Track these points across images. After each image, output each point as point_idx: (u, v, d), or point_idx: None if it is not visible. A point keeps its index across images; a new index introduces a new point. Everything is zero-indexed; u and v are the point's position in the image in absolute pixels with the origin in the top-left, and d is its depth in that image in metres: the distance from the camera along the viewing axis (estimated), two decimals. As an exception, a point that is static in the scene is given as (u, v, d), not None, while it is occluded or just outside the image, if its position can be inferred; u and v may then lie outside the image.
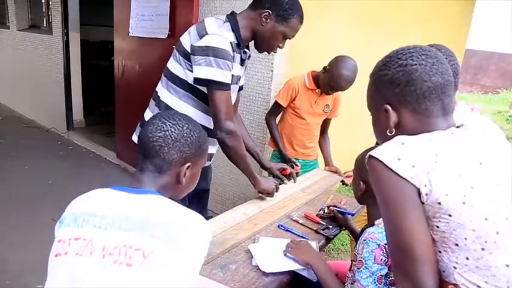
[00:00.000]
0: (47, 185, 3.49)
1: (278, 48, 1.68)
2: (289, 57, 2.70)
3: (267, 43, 1.64)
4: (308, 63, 2.50)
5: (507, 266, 0.78)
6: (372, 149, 1.30)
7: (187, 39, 1.57)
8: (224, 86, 1.54)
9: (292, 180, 2.10)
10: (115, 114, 4.09)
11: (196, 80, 1.54)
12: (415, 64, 0.85)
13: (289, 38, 1.66)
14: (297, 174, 2.20)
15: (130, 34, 3.53)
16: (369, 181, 1.25)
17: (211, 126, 1.71)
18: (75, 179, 3.67)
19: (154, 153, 0.95)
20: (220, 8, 2.77)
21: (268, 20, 1.57)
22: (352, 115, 2.95)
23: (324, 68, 2.23)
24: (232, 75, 1.60)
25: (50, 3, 4.83)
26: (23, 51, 5.53)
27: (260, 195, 1.85)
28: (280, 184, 1.99)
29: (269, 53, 1.72)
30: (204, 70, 1.50)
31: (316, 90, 2.31)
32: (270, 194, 1.82)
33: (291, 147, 2.44)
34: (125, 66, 3.75)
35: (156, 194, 0.92)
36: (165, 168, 0.96)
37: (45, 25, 5.37)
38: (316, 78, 2.30)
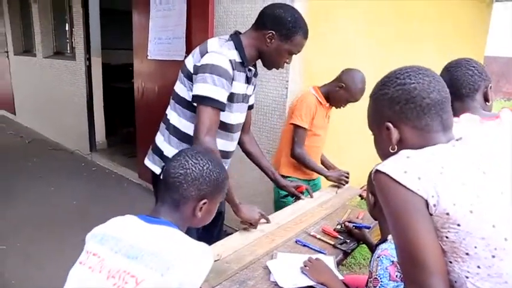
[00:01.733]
0: (72, 206, 3.59)
1: (286, 64, 1.68)
2: (304, 73, 2.73)
3: (273, 61, 1.65)
4: (323, 78, 2.51)
5: None
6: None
7: (190, 61, 1.60)
8: (214, 103, 1.50)
9: (308, 196, 2.11)
10: (136, 135, 4.20)
11: (193, 97, 1.54)
12: (413, 83, 0.89)
13: (295, 54, 1.66)
14: (299, 195, 2.12)
15: (149, 57, 3.65)
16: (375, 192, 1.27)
17: (226, 149, 1.74)
18: (99, 200, 3.77)
19: (174, 188, 1.05)
20: (235, 29, 2.84)
21: (273, 40, 1.56)
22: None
23: (339, 86, 2.22)
24: (233, 94, 1.60)
25: (74, 30, 5.05)
26: (48, 77, 5.77)
27: (243, 225, 1.72)
28: (296, 200, 2.00)
29: (277, 69, 1.73)
30: (200, 87, 1.50)
31: (327, 105, 2.30)
32: (252, 225, 1.69)
33: (300, 170, 2.33)
34: (144, 88, 3.87)
35: (170, 225, 1.02)
36: (182, 202, 1.06)
37: (69, 51, 5.60)
38: (326, 93, 2.29)
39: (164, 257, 0.90)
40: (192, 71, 1.57)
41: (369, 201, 1.35)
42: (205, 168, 1.06)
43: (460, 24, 4.60)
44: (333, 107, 2.36)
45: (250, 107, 1.90)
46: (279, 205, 2.23)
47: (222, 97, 1.52)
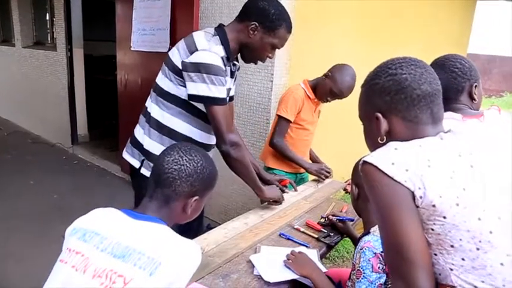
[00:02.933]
0: (52, 200, 3.52)
1: (268, 58, 1.67)
2: (289, 67, 2.73)
3: (256, 54, 1.64)
4: (308, 72, 2.51)
5: (502, 264, 0.79)
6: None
7: (176, 55, 1.56)
8: (220, 101, 1.55)
9: (292, 189, 2.11)
10: (118, 128, 4.13)
11: (190, 96, 1.54)
12: (405, 73, 0.88)
13: (278, 48, 1.65)
14: (283, 189, 2.10)
15: (132, 48, 3.59)
16: (360, 185, 1.28)
17: (209, 142, 1.72)
18: (81, 193, 3.70)
19: (167, 184, 1.02)
20: (220, 21, 2.80)
21: (256, 32, 1.56)
22: (355, 121, 2.96)
23: (326, 75, 2.21)
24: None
25: (54, 20, 4.93)
26: (28, 67, 5.63)
27: (266, 204, 1.86)
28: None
29: (256, 63, 1.72)
30: (199, 87, 1.50)
31: (315, 100, 2.28)
32: (277, 202, 1.85)
33: (285, 163, 2.32)
34: (127, 80, 3.81)
35: (157, 221, 0.98)
36: (174, 199, 1.03)
37: (49, 42, 5.47)
38: (314, 86, 2.27)
39: (152, 256, 0.87)
40: (179, 67, 1.54)
41: (353, 193, 1.35)
42: (199, 164, 1.04)
43: (443, 22, 4.66)
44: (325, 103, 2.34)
45: (231, 99, 1.88)
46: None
47: (223, 94, 1.55)
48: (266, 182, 2.03)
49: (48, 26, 5.46)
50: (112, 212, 1.00)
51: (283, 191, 2.07)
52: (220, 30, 1.60)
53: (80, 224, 0.97)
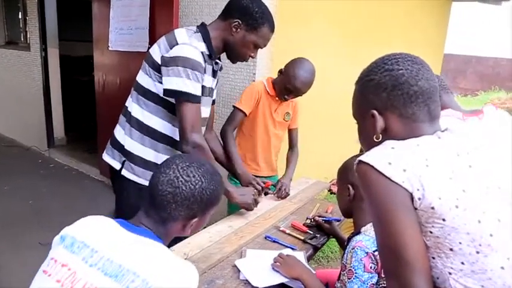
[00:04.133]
0: (27, 206, 3.39)
1: (250, 58, 1.66)
2: (271, 66, 2.70)
3: (238, 52, 1.62)
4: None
5: (502, 268, 0.77)
6: (358, 155, 1.29)
7: (156, 51, 1.54)
8: (193, 98, 1.49)
9: (274, 192, 2.05)
10: (97, 130, 4.02)
11: (165, 91, 1.50)
12: (401, 69, 0.85)
13: (261, 47, 1.64)
14: (267, 190, 2.02)
15: (110, 48, 3.50)
16: (356, 185, 1.24)
17: None
18: (58, 198, 3.58)
19: (162, 206, 0.94)
20: (200, 20, 2.74)
21: (239, 29, 1.56)
22: (339, 123, 2.96)
23: (280, 70, 2.08)
24: (204, 87, 1.57)
25: (27, 19, 4.76)
26: (0, 68, 5.42)
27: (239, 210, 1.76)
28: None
29: (241, 61, 1.70)
30: (173, 81, 1.46)
31: (276, 98, 2.12)
32: (248, 209, 1.74)
33: (255, 164, 2.19)
34: (105, 81, 3.71)
35: (153, 237, 0.92)
36: (170, 221, 0.96)
37: (22, 41, 5.28)
38: (274, 84, 2.13)
39: (147, 279, 0.80)
40: (159, 62, 1.51)
41: (345, 192, 1.31)
42: (197, 186, 0.94)
43: (419, 22, 4.74)
44: (294, 106, 2.22)
45: (212, 102, 1.85)
46: None
47: (198, 91, 1.50)
48: (246, 184, 1.94)
49: (21, 25, 5.28)
50: (105, 221, 0.92)
51: (266, 194, 2.02)
52: (202, 28, 1.59)
53: (69, 232, 0.89)
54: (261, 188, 1.90)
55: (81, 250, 0.84)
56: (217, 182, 1.01)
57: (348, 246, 1.20)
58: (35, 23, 4.56)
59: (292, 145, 2.33)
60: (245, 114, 2.08)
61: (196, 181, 0.95)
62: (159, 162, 1.58)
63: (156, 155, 1.60)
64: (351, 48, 3.49)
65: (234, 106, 2.11)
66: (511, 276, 0.77)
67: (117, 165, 1.62)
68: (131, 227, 0.92)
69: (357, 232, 1.23)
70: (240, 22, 1.54)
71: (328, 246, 2.90)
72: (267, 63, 2.64)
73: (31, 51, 4.74)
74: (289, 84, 2.00)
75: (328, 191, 2.33)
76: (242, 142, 2.20)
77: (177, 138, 1.60)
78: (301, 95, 2.09)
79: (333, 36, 3.33)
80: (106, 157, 1.68)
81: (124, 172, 1.60)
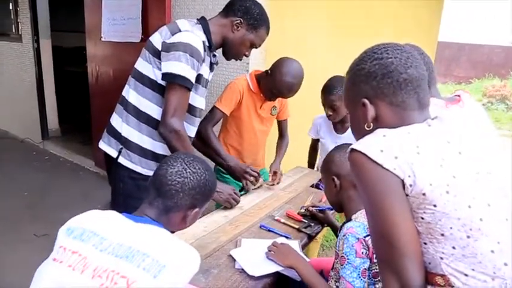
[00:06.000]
0: (22, 198, 3.38)
1: (244, 56, 1.73)
2: (265, 57, 2.69)
3: (235, 50, 1.69)
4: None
5: (492, 251, 0.79)
6: (335, 149, 1.31)
7: (158, 38, 1.55)
8: (185, 82, 1.48)
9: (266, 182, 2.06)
10: (91, 121, 4.00)
11: (163, 75, 1.50)
12: (391, 57, 0.87)
13: (256, 47, 1.73)
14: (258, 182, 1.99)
15: (103, 39, 3.46)
16: (342, 174, 1.27)
17: (188, 133, 1.67)
18: (53, 190, 3.57)
19: (169, 195, 1.02)
20: (193, 10, 2.75)
21: (240, 28, 1.63)
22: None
23: (266, 71, 2.00)
24: (200, 76, 1.58)
25: (19, 10, 4.69)
26: (-9, 60, 5.36)
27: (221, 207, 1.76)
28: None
29: (236, 60, 1.75)
30: (171, 65, 1.47)
31: (261, 94, 2.05)
32: (227, 207, 1.71)
33: (240, 160, 2.11)
34: (98, 72, 3.68)
35: (157, 225, 0.98)
36: (174, 210, 1.04)
37: (14, 32, 5.21)
38: (259, 80, 2.05)
39: (157, 258, 0.85)
40: (159, 48, 1.53)
41: (332, 185, 1.33)
42: (202, 177, 1.06)
43: (413, 9, 4.72)
44: (282, 99, 2.15)
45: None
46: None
47: (191, 76, 1.50)
48: (242, 175, 1.93)
49: (12, 16, 5.20)
50: (111, 214, 0.97)
51: (253, 183, 1.97)
52: (203, 21, 1.64)
53: (76, 224, 0.93)
54: (256, 174, 1.94)
55: (90, 238, 0.88)
56: (213, 175, 1.13)
57: (339, 234, 1.22)
58: (26, 14, 4.50)
59: (282, 135, 2.32)
60: (225, 115, 2.03)
61: (201, 173, 1.06)
62: (156, 151, 1.61)
63: (152, 143, 1.61)
64: (343, 38, 3.48)
65: (214, 105, 2.02)
66: (501, 259, 0.79)
67: (113, 153, 1.62)
68: (135, 218, 0.98)
69: (348, 220, 1.25)
70: (242, 21, 1.62)
71: (323, 236, 2.93)
72: (261, 53, 2.63)
73: (23, 42, 4.68)
74: (275, 89, 1.96)
75: (314, 186, 2.24)
76: (226, 139, 2.16)
77: None
78: (285, 98, 2.08)
79: (326, 24, 3.32)
80: (102, 145, 1.68)
81: (121, 159, 1.60)
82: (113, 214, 0.97)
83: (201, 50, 1.51)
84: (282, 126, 2.32)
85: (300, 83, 1.98)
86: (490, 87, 9.51)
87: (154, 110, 1.58)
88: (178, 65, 1.46)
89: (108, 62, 3.54)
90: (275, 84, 1.94)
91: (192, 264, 0.92)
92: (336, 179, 1.30)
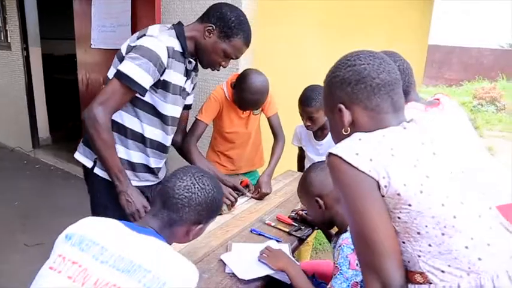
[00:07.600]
0: (13, 207, 3.35)
1: (221, 67, 1.62)
2: (255, 63, 2.69)
3: (207, 57, 1.59)
4: (274, 69, 2.49)
5: (466, 247, 0.81)
6: (308, 171, 1.32)
7: (125, 44, 1.54)
8: (129, 82, 1.42)
9: (251, 191, 2.03)
10: (82, 129, 3.97)
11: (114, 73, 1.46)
12: (363, 64, 0.91)
13: (233, 58, 1.62)
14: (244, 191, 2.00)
15: (93, 46, 3.45)
16: (324, 194, 1.30)
17: (164, 142, 1.67)
18: (44, 199, 3.55)
19: (175, 209, 1.02)
20: (183, 17, 2.76)
21: (211, 34, 1.54)
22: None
23: (231, 84, 2.00)
24: (167, 83, 1.54)
25: (7, 17, 4.67)
26: (-20, 69, 5.31)
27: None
28: (239, 196, 1.91)
29: (212, 70, 1.65)
30: (124, 64, 1.44)
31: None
32: (133, 216, 1.52)
33: (230, 164, 2.17)
34: (89, 80, 3.66)
35: (159, 237, 0.97)
36: (178, 223, 1.03)
37: (2, 40, 5.17)
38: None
39: (157, 274, 0.85)
40: (124, 53, 1.51)
41: (316, 206, 1.34)
42: (210, 195, 1.05)
43: (404, 12, 4.78)
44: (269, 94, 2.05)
45: (188, 107, 1.83)
46: None
47: (143, 80, 1.44)
48: (225, 185, 1.86)
49: (1, 24, 5.17)
50: (111, 222, 0.96)
51: (243, 194, 1.98)
52: (177, 26, 1.59)
53: (75, 231, 0.91)
54: (234, 199, 1.83)
55: (90, 248, 0.87)
56: (222, 193, 1.13)
57: (336, 244, 1.23)
58: (15, 22, 4.47)
59: (275, 133, 2.22)
60: (207, 124, 2.03)
61: (210, 190, 1.05)
62: (131, 159, 1.59)
63: (126, 152, 1.59)
64: (335, 42, 3.50)
65: (195, 117, 2.02)
66: (475, 254, 0.81)
67: (89, 163, 1.60)
68: (138, 228, 0.96)
69: (344, 230, 1.25)
70: (214, 27, 1.53)
71: (316, 239, 2.93)
72: (249, 57, 2.64)
73: (12, 50, 4.65)
74: (238, 105, 1.99)
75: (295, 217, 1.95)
76: (216, 147, 2.18)
77: (146, 135, 1.59)
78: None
79: (317, 28, 3.34)
80: (78, 155, 1.65)
81: (96, 170, 1.58)
82: (113, 222, 0.95)
83: (163, 55, 1.46)
84: (272, 124, 2.20)
85: (264, 96, 1.95)
86: (480, 89, 9.62)
87: (123, 117, 1.55)
88: (130, 66, 1.42)
89: (98, 69, 3.53)
90: (238, 99, 1.97)
91: (191, 282, 0.92)
92: (319, 199, 1.32)
